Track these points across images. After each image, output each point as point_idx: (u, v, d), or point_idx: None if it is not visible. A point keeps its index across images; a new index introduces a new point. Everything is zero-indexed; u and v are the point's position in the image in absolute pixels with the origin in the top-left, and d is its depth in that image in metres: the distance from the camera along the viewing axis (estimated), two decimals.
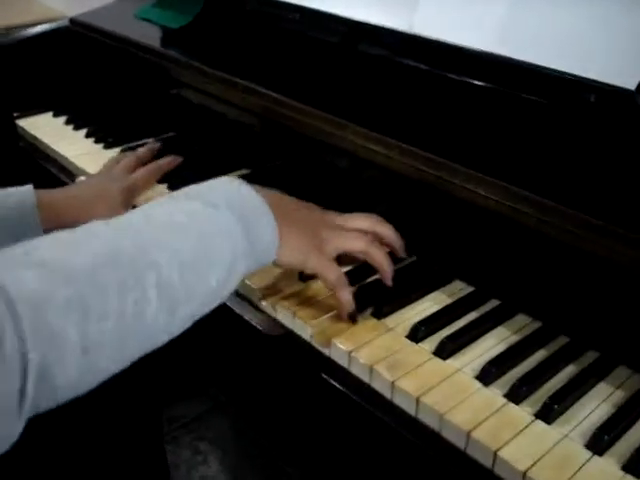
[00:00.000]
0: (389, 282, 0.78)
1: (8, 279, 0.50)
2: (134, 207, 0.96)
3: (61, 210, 0.88)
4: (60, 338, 0.50)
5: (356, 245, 0.77)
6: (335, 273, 0.75)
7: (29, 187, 0.87)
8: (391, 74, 0.97)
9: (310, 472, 0.81)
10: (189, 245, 0.61)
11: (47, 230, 0.84)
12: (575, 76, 0.79)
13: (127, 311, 0.55)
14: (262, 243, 0.69)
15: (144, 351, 0.59)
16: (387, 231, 0.81)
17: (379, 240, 0.80)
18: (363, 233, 0.79)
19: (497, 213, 0.75)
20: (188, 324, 0.62)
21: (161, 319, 0.58)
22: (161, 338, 0.60)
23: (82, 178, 1.01)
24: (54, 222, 0.86)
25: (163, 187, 1.03)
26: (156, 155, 1.08)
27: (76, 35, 1.34)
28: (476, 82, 0.88)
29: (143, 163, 1.03)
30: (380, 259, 0.78)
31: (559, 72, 0.80)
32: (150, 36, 1.24)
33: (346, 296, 0.75)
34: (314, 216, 0.78)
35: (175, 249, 0.60)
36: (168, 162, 1.04)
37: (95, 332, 0.52)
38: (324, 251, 0.75)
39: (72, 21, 1.36)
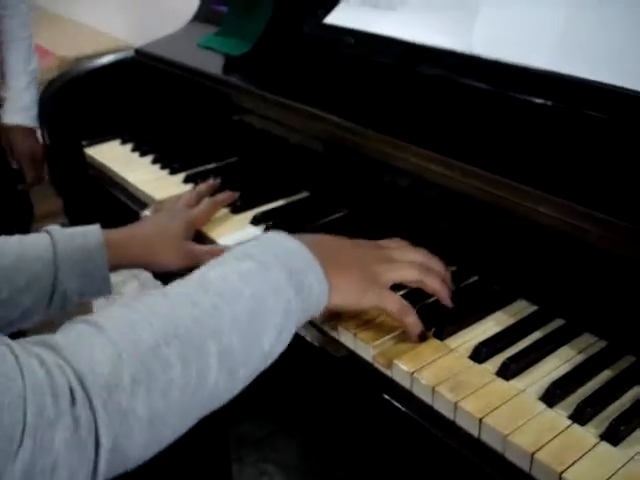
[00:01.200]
0: (449, 304, 0.79)
1: (82, 362, 0.53)
2: (198, 234, 0.99)
3: (126, 249, 0.92)
4: (129, 415, 0.54)
5: (410, 275, 0.78)
6: (396, 302, 0.75)
7: (96, 227, 0.90)
8: (449, 95, 0.97)
9: None
10: (244, 307, 0.63)
11: (112, 268, 0.89)
12: (637, 92, 0.78)
13: (191, 382, 0.58)
14: (312, 295, 0.70)
15: (205, 413, 0.62)
16: (437, 265, 0.82)
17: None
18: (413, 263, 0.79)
19: (558, 231, 0.74)
20: (246, 384, 0.65)
21: (221, 384, 0.61)
22: (221, 400, 0.63)
23: (147, 213, 1.04)
24: (119, 261, 0.91)
25: (227, 210, 1.06)
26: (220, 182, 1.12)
27: (141, 65, 1.38)
28: (535, 100, 0.88)
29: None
30: (436, 286, 0.79)
31: (621, 88, 0.79)
32: (213, 64, 1.27)
33: (413, 320, 0.75)
34: (362, 252, 0.78)
35: (232, 315, 0.62)
36: (227, 197, 1.06)
37: (161, 405, 0.56)
38: (379, 284, 0.75)
39: (137, 51, 1.40)
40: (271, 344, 0.65)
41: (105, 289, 0.90)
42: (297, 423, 0.83)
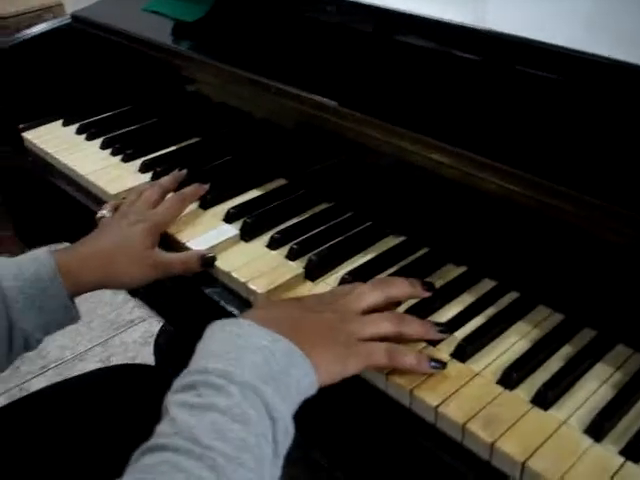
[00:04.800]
0: (438, 337, 0.70)
1: None
2: (163, 236, 0.87)
3: (83, 272, 0.79)
4: None
5: (384, 329, 0.68)
6: (382, 353, 0.66)
7: (45, 252, 0.78)
8: (436, 68, 0.86)
9: None
10: (251, 458, 0.52)
11: (73, 294, 0.79)
12: None
13: None
14: (301, 390, 0.60)
15: None
16: (398, 289, 0.73)
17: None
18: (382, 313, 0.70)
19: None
20: None
21: None
22: None
23: (104, 212, 0.90)
24: (77, 287, 0.79)
25: (194, 205, 0.94)
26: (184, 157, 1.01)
27: (80, 33, 1.22)
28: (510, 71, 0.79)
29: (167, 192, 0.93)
30: (418, 331, 0.69)
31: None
32: (162, 32, 1.13)
33: (410, 360, 0.66)
34: (324, 314, 0.67)
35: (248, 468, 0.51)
36: (195, 191, 0.93)
37: None
38: (356, 344, 0.66)
39: (74, 17, 1.24)
40: (272, 475, 0.55)
41: (71, 318, 0.80)
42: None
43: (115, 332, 2.04)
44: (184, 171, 0.97)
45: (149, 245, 0.83)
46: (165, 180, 0.94)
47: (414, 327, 0.69)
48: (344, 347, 0.65)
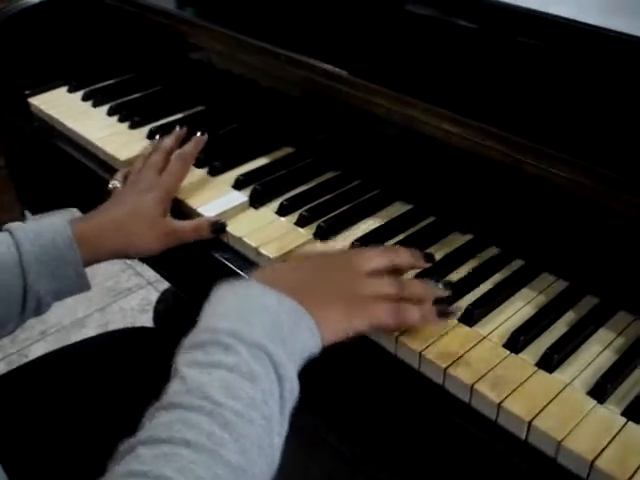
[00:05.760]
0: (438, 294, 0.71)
1: None
2: (174, 203, 0.89)
3: (99, 241, 0.81)
4: None
5: (388, 289, 0.68)
6: (385, 312, 0.67)
7: (62, 220, 0.79)
8: (438, 37, 0.87)
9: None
10: (260, 416, 0.53)
11: (90, 262, 0.80)
12: None
13: None
14: (306, 350, 0.61)
15: None
16: (401, 258, 0.73)
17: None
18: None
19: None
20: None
21: None
22: None
23: (116, 183, 0.90)
24: (92, 255, 0.80)
25: (204, 172, 0.95)
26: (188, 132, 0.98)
27: None
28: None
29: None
30: (419, 292, 0.70)
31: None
32: None
33: (415, 316, 0.67)
34: (330, 271, 0.69)
35: (256, 438, 0.52)
36: (192, 149, 0.92)
37: None
38: (361, 301, 0.67)
39: None
40: (279, 433, 0.56)
41: (83, 286, 0.80)
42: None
43: (113, 299, 2.05)
44: (184, 128, 0.96)
45: (161, 213, 0.84)
46: (167, 142, 0.92)
47: (416, 288, 0.70)
48: (349, 306, 0.66)
